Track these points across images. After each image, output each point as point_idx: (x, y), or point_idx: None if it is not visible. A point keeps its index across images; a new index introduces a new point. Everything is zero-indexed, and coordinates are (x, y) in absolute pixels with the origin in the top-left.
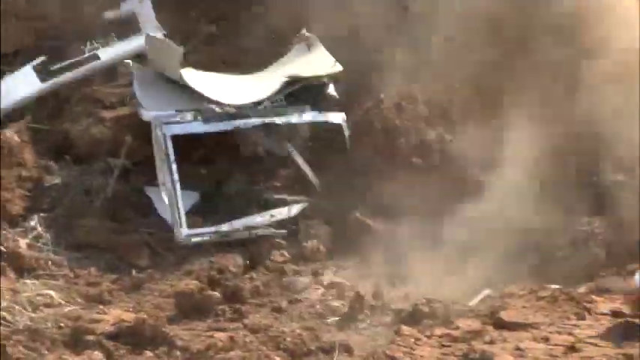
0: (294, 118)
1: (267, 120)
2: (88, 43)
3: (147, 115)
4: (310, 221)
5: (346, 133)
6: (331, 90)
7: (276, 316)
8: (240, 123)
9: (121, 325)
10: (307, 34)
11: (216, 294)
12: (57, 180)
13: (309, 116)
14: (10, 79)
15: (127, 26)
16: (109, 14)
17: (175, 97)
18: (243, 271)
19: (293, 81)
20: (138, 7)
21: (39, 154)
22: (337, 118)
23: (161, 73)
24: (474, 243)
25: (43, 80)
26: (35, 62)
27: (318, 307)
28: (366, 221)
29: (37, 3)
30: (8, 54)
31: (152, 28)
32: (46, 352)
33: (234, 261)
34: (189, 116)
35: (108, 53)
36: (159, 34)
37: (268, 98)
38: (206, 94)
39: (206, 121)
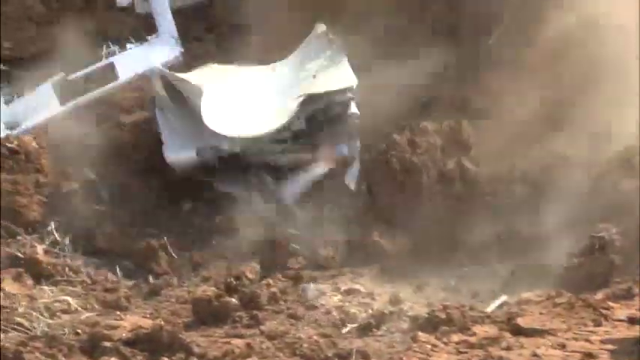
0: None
1: (280, 162)
2: (105, 47)
3: (168, 157)
4: (326, 228)
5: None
6: (353, 108)
7: (292, 323)
8: (254, 160)
9: (139, 332)
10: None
11: (234, 300)
12: (74, 186)
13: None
14: (28, 99)
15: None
16: (122, 1)
17: (196, 129)
18: (260, 277)
19: (311, 97)
20: (156, 5)
21: (56, 160)
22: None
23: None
24: (489, 249)
25: (63, 103)
26: (54, 79)
27: (334, 313)
28: (382, 243)
29: (54, 7)
30: (25, 59)
31: (168, 29)
32: (64, 358)
33: (251, 267)
34: (208, 157)
35: (126, 70)
36: (173, 41)
37: (287, 123)
38: (225, 129)
39: (222, 162)
